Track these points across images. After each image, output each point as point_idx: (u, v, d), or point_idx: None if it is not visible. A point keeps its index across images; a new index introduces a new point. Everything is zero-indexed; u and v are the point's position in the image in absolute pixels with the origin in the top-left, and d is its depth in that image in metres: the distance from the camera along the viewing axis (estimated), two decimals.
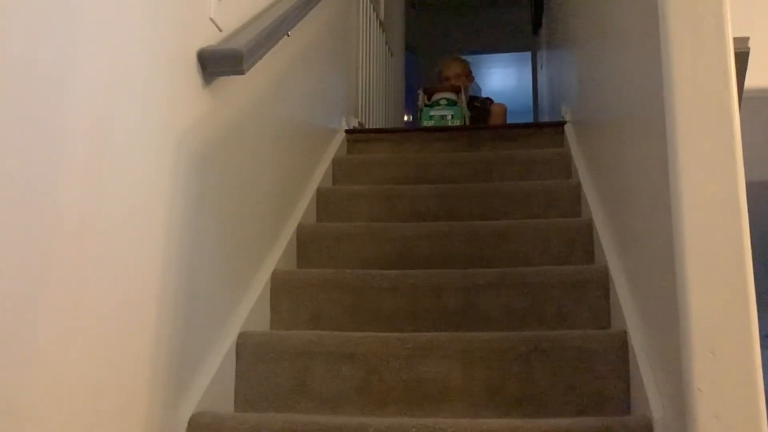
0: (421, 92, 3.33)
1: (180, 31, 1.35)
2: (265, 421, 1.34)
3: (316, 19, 2.40)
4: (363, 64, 3.49)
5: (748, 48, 1.64)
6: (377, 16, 3.94)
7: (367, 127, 3.46)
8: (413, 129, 3.23)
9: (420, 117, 3.26)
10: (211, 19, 1.48)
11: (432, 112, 3.20)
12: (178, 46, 1.34)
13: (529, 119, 5.16)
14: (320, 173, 2.47)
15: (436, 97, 3.28)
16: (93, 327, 1.03)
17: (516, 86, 6.83)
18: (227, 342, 1.54)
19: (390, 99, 4.44)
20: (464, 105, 3.25)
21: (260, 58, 1.60)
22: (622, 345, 1.46)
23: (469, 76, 3.64)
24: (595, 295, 1.70)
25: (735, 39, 1.09)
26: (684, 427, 1.03)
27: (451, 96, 3.26)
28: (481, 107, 3.64)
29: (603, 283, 1.70)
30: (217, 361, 1.47)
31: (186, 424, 1.32)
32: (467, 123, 3.24)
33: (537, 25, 4.70)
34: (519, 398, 1.45)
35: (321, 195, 2.36)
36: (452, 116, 3.19)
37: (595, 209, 1.98)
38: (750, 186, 1.05)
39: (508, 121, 3.62)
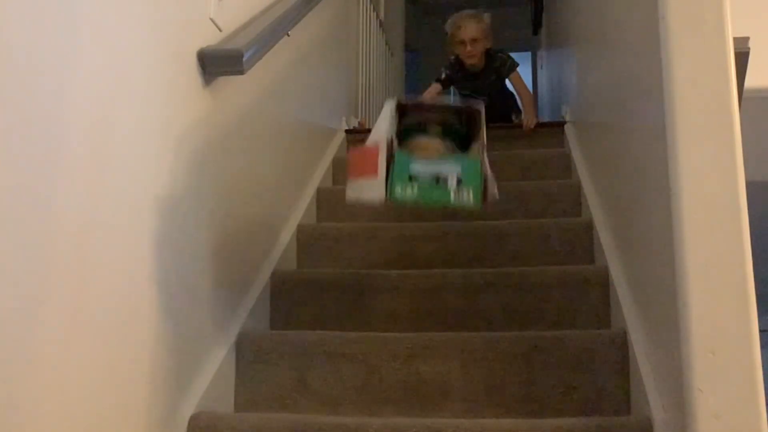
0: (389, 107, 1.37)
1: (180, 31, 1.35)
2: (265, 421, 1.34)
3: (316, 20, 2.40)
4: (363, 64, 3.49)
5: (748, 48, 1.64)
6: (377, 16, 3.94)
7: (367, 126, 3.45)
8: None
9: (391, 175, 1.27)
10: (211, 19, 1.48)
11: (415, 167, 1.27)
12: (178, 46, 1.34)
13: None
14: (320, 173, 2.47)
15: (414, 119, 1.39)
16: (93, 327, 1.03)
17: (515, 91, 6.81)
18: (227, 342, 1.54)
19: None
20: (483, 146, 1.33)
21: (260, 58, 1.60)
22: (622, 345, 1.46)
23: (489, 37, 3.04)
24: (595, 295, 1.70)
25: (735, 39, 1.09)
26: (684, 427, 1.03)
27: (453, 119, 1.39)
28: (500, 83, 3.07)
29: (603, 283, 1.70)
30: (217, 361, 1.47)
31: (186, 425, 1.32)
32: (485, 195, 1.29)
33: (537, 25, 4.71)
34: (519, 398, 1.45)
35: (321, 195, 2.36)
36: (458, 180, 1.26)
37: (595, 209, 1.98)
38: (750, 186, 1.05)
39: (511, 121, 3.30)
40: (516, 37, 5.99)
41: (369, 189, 1.25)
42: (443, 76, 3.13)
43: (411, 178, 1.24)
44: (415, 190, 1.23)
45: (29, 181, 0.88)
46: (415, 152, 1.29)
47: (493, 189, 1.27)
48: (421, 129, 1.33)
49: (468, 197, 1.24)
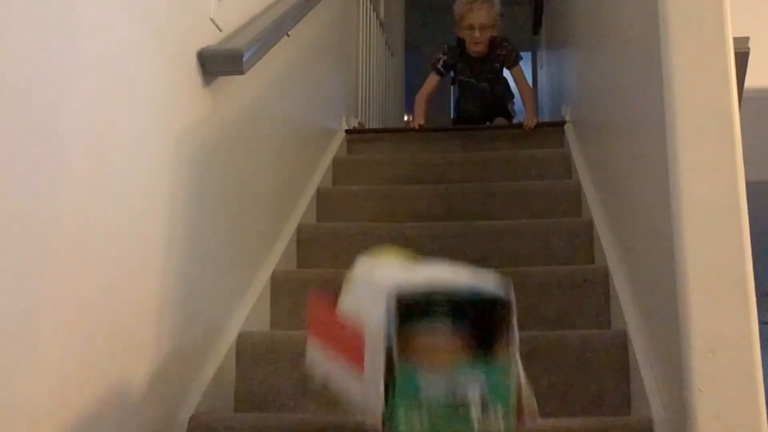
0: (387, 300, 0.88)
1: (180, 31, 1.35)
2: (265, 421, 1.34)
3: (316, 19, 2.40)
4: (363, 64, 3.49)
5: (748, 48, 1.64)
6: (377, 16, 3.94)
7: (367, 127, 3.45)
8: (413, 129, 3.02)
9: (391, 393, 0.85)
10: (211, 19, 1.48)
11: (423, 383, 0.86)
12: (178, 46, 1.34)
13: None
14: (320, 173, 2.47)
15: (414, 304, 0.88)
16: (93, 328, 1.03)
17: (516, 86, 6.81)
18: (227, 342, 1.54)
19: (390, 99, 4.44)
20: (515, 347, 0.91)
21: (260, 58, 1.60)
22: (622, 345, 1.46)
23: (497, 26, 2.97)
24: (595, 295, 1.70)
25: (735, 39, 1.09)
26: (684, 427, 1.03)
27: (465, 303, 0.93)
28: (500, 71, 3.04)
29: (603, 283, 1.70)
30: (217, 361, 1.47)
31: (186, 425, 1.32)
32: (520, 415, 0.87)
33: (537, 25, 4.71)
34: None
35: (321, 195, 2.36)
36: (482, 397, 0.86)
37: (595, 209, 1.98)
38: (750, 186, 1.05)
39: (514, 120, 3.28)
40: (516, 36, 5.99)
41: (352, 388, 0.92)
42: (440, 63, 3.05)
43: (418, 399, 0.86)
44: (425, 418, 0.86)
45: (29, 181, 0.88)
46: (420, 355, 0.89)
47: (532, 406, 0.89)
48: (423, 311, 0.92)
49: (497, 422, 0.86)
